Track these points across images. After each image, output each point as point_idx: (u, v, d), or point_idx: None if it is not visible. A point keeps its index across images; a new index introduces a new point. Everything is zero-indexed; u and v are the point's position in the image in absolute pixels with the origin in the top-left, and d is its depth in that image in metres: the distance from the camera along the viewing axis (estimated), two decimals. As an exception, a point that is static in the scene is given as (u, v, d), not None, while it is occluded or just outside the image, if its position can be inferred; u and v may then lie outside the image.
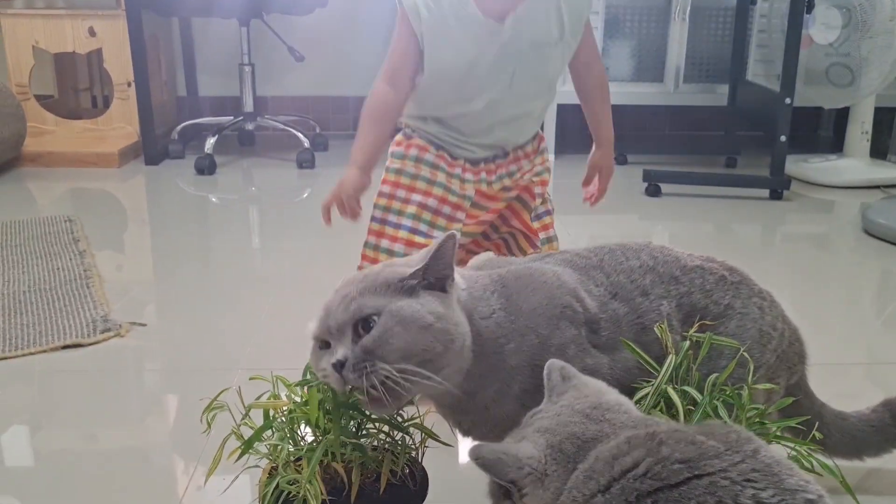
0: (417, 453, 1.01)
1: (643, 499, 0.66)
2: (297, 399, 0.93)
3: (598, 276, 0.99)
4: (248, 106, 3.29)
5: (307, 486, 0.84)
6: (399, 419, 0.96)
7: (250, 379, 0.99)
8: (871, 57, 2.85)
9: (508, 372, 0.92)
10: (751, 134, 3.45)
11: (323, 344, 0.88)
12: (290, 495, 0.88)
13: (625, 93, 3.31)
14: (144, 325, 1.74)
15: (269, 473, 0.92)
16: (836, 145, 3.30)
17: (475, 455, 0.72)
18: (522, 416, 0.82)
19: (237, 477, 0.97)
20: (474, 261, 1.44)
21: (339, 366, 0.81)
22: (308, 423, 0.89)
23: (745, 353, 0.94)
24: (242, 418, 0.94)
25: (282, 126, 3.25)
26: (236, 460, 0.92)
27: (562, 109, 3.22)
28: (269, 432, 0.92)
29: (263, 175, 3.22)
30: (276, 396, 0.95)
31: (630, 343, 0.93)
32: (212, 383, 1.22)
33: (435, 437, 0.99)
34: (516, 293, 0.93)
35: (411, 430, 0.97)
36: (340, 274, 0.95)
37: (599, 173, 1.52)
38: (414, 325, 0.82)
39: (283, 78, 3.63)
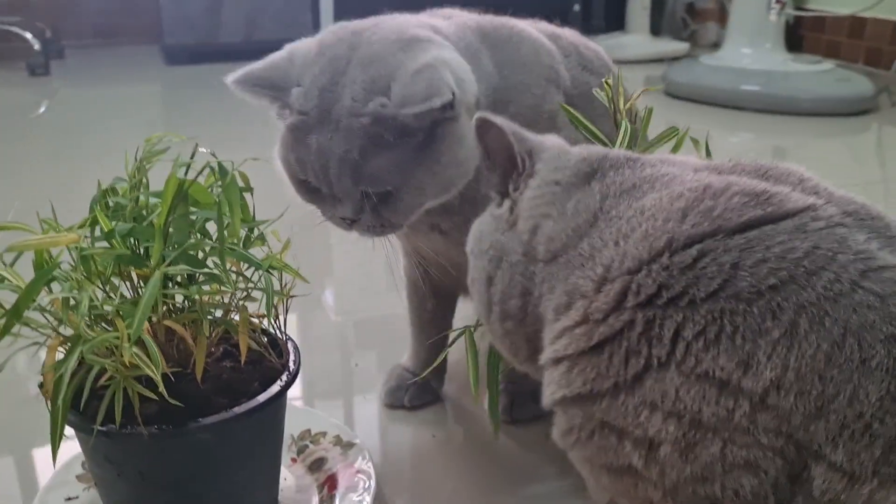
0: (280, 310, 0.71)
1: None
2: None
3: (565, 45, 0.82)
4: (-49, 4, 2.62)
5: (133, 351, 0.51)
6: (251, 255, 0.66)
7: (-1, 230, 0.63)
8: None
9: None
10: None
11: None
12: (105, 378, 0.55)
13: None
14: None
15: (57, 351, 0.57)
16: (609, 29, 3.25)
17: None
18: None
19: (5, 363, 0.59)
20: None
21: (349, 222, 0.73)
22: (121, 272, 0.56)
23: None
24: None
25: (1, 27, 2.63)
26: (-2, 342, 0.57)
27: None
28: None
29: (-17, 90, 2.62)
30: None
31: (574, 112, 0.75)
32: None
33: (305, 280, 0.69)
34: (501, 44, 0.77)
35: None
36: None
37: None
38: (436, 188, 0.71)
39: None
